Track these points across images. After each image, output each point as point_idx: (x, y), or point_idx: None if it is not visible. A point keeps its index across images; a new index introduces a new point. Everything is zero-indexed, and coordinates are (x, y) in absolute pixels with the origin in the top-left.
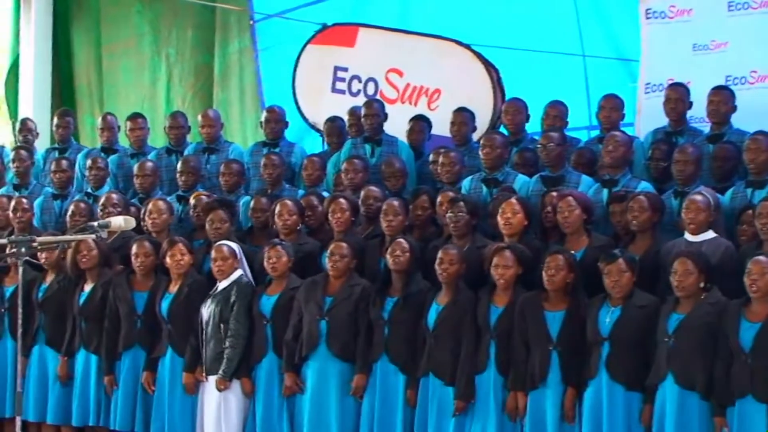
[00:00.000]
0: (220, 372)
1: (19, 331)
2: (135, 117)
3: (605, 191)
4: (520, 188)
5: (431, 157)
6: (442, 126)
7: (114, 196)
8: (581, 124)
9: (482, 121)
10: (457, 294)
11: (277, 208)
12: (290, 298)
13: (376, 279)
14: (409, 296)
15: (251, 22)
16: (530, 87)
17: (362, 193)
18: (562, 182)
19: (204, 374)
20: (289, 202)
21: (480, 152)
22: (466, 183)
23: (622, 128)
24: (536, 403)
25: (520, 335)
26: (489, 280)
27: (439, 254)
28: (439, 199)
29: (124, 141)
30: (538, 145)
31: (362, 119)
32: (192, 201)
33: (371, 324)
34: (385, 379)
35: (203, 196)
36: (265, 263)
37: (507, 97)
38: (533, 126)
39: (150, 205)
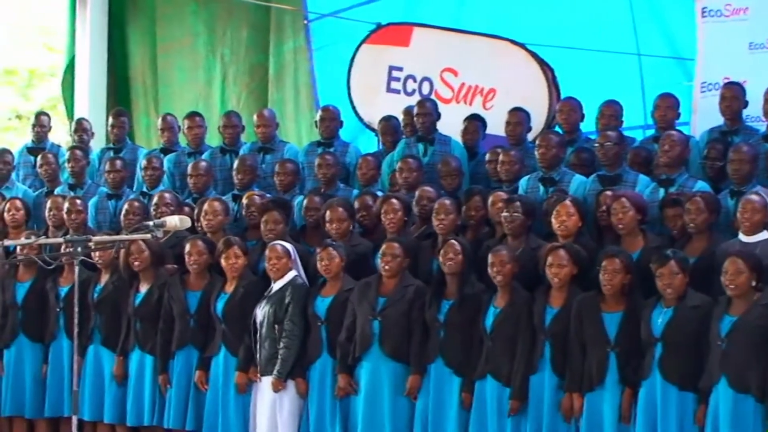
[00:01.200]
0: (275, 372)
1: (75, 330)
2: (192, 115)
3: (662, 191)
4: (577, 188)
5: (488, 156)
6: (496, 126)
7: (167, 195)
8: (636, 123)
9: (537, 121)
10: (513, 296)
11: (328, 215)
12: (344, 299)
13: (429, 279)
14: (464, 299)
15: (305, 22)
16: (585, 86)
17: (416, 193)
18: (620, 182)
19: (258, 375)
20: (339, 209)
21: (536, 152)
22: (523, 182)
23: (678, 127)
24: (593, 405)
25: (576, 337)
26: (544, 281)
27: (490, 257)
28: (491, 199)
29: (182, 141)
30: (595, 145)
31: (415, 118)
32: (245, 201)
33: (425, 324)
34: (439, 381)
35: (256, 196)
36: (318, 265)
37: (562, 97)
38: (588, 125)
39: (205, 206)
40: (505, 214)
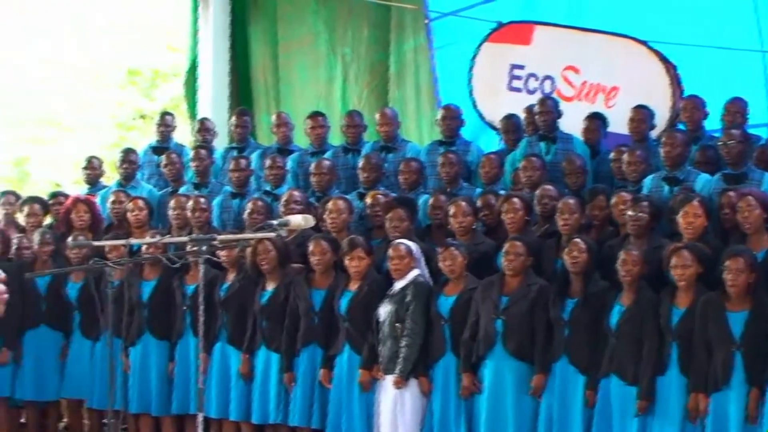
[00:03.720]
0: (397, 371)
1: (201, 329)
2: (315, 115)
3: None
4: (702, 187)
5: (612, 155)
6: (618, 124)
7: (296, 193)
8: (761, 121)
9: (660, 119)
10: (639, 295)
11: (452, 210)
12: (468, 298)
13: (553, 278)
14: (589, 297)
15: (426, 21)
16: (708, 83)
17: (537, 192)
18: (745, 180)
19: (381, 373)
20: (462, 203)
21: (661, 150)
22: (647, 182)
23: None
24: (719, 405)
25: (701, 337)
26: (668, 281)
27: (622, 255)
28: (615, 199)
29: (299, 139)
30: (719, 143)
31: (536, 117)
32: (369, 200)
33: (549, 323)
34: (564, 379)
35: (381, 195)
36: (441, 264)
37: (684, 94)
38: (712, 123)
39: (330, 204)
40: (630, 213)
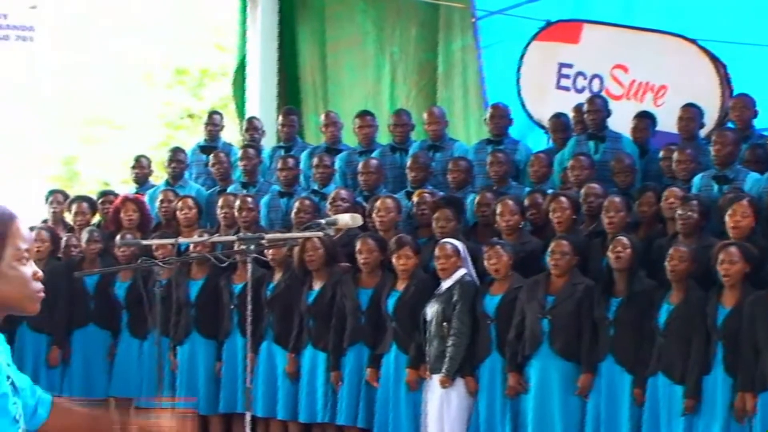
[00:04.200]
0: (443, 370)
1: (249, 328)
2: (363, 114)
3: None
4: (752, 186)
5: (662, 154)
6: (667, 122)
7: (343, 192)
8: None
9: (709, 118)
10: (688, 293)
11: (499, 208)
12: (513, 297)
13: (599, 278)
14: (634, 296)
15: (473, 20)
16: (758, 82)
17: (583, 190)
18: None
19: (428, 373)
20: (510, 202)
21: (711, 149)
22: (696, 180)
23: None
24: (767, 404)
25: (749, 336)
26: (717, 281)
27: (670, 251)
28: (665, 194)
29: (348, 138)
30: None
31: (585, 115)
32: (417, 199)
33: (595, 323)
34: (610, 378)
35: (428, 194)
36: (486, 264)
37: (734, 93)
38: (762, 122)
39: (378, 203)
40: (680, 212)
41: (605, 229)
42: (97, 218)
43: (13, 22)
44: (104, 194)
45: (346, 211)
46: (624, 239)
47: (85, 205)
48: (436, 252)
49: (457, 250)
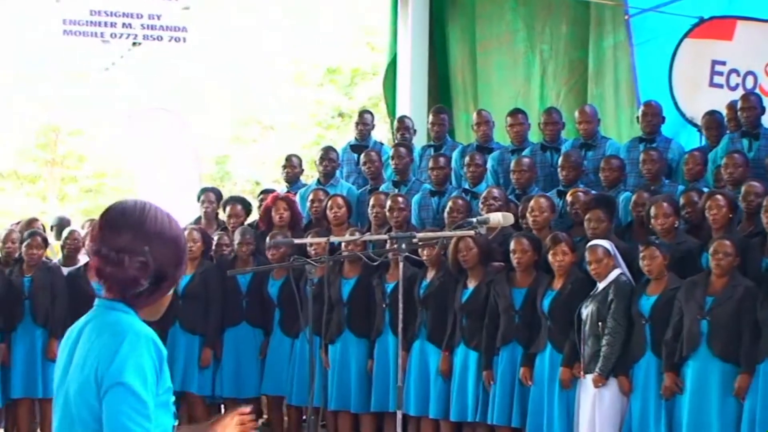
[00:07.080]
0: (597, 369)
1: (400, 326)
2: (515, 113)
3: None
4: None
5: None
6: None
7: (495, 190)
8: None
9: None
10: None
11: (653, 210)
12: (670, 298)
13: (758, 279)
14: None
15: (626, 17)
16: None
17: (743, 188)
18: None
19: (582, 372)
20: (664, 204)
21: None
22: None
23: None
24: None
25: None
26: None
27: None
28: None
29: (499, 137)
30: None
31: (739, 113)
32: (569, 198)
33: (756, 324)
34: None
35: (580, 193)
36: (641, 264)
37: None
38: None
39: (532, 202)
40: None
41: (765, 228)
42: (251, 219)
43: (166, 23)
44: (265, 193)
45: (498, 209)
46: None
47: (239, 207)
48: (588, 256)
49: (607, 252)
